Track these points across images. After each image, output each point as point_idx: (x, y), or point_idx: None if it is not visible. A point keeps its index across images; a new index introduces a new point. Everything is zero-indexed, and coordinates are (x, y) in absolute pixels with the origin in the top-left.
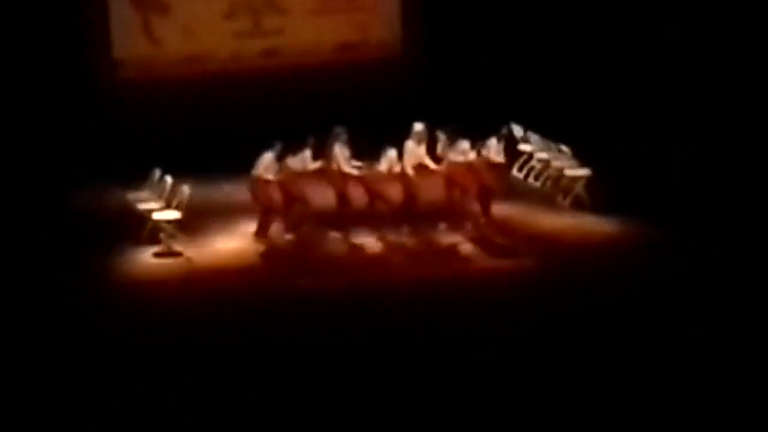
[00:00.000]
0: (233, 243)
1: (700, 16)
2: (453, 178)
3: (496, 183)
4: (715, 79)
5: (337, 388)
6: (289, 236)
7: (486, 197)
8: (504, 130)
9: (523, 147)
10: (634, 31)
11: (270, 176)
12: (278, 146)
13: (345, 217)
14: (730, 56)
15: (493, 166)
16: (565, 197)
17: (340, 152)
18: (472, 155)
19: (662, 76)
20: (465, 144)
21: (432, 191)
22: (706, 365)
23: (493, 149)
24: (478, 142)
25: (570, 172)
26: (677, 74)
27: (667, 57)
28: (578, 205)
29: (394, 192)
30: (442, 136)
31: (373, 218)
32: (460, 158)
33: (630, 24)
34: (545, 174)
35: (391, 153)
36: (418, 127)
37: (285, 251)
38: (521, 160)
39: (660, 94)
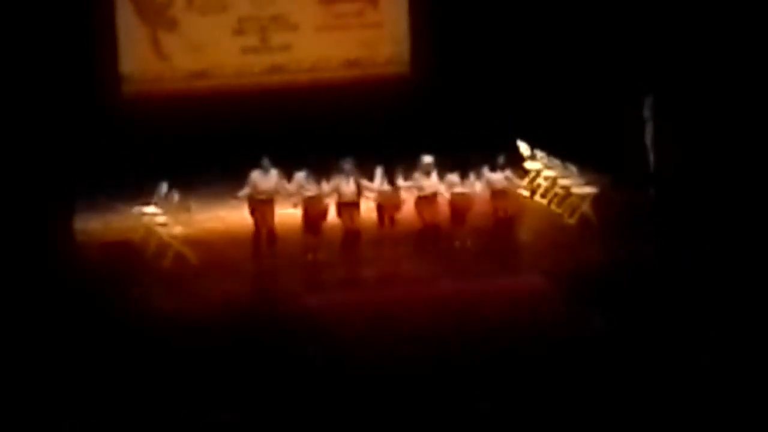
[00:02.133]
0: (238, 258)
1: (711, 32)
2: (457, 208)
3: (505, 208)
4: (725, 94)
5: (345, 409)
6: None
7: (497, 224)
8: (500, 160)
9: (530, 165)
10: (643, 51)
11: (263, 196)
12: (266, 162)
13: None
14: (738, 68)
15: (497, 193)
16: (571, 215)
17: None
18: (477, 186)
19: (669, 96)
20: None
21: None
22: (722, 383)
23: (491, 178)
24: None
25: (577, 190)
26: (685, 92)
27: (675, 76)
28: (585, 223)
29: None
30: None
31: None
32: (464, 189)
33: (638, 44)
34: (552, 192)
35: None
36: (427, 159)
37: (293, 269)
38: (528, 178)
39: (668, 112)
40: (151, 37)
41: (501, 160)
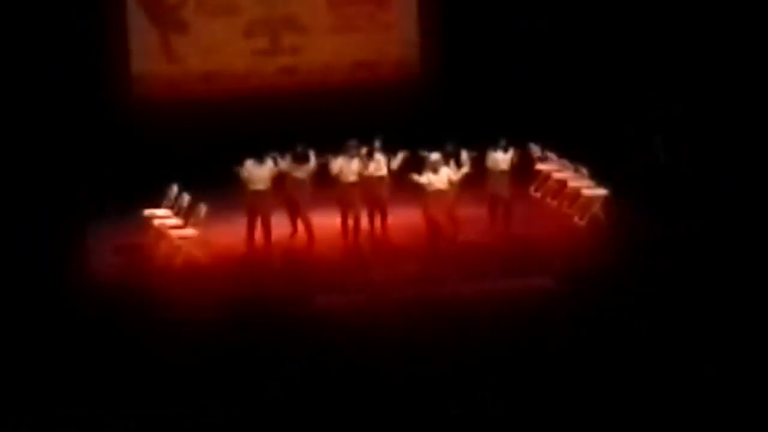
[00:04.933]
0: (249, 259)
1: (720, 33)
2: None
3: (505, 191)
4: (736, 96)
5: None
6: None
7: (500, 208)
8: (501, 142)
9: (541, 167)
10: (653, 52)
11: (262, 187)
12: (271, 156)
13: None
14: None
15: (499, 174)
16: (581, 217)
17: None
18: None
19: (680, 98)
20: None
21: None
22: (723, 380)
23: (497, 160)
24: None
25: (587, 192)
26: (696, 94)
27: (686, 77)
28: (595, 225)
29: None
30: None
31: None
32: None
33: (648, 45)
34: (563, 193)
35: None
36: (435, 156)
37: (303, 266)
38: (539, 180)
39: (679, 114)
40: (162, 39)
41: (502, 142)
